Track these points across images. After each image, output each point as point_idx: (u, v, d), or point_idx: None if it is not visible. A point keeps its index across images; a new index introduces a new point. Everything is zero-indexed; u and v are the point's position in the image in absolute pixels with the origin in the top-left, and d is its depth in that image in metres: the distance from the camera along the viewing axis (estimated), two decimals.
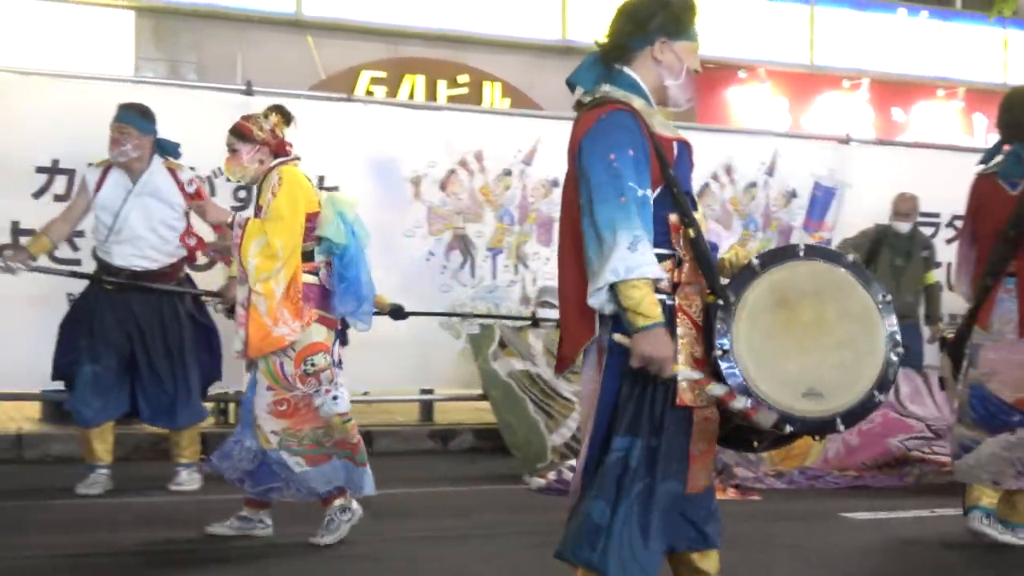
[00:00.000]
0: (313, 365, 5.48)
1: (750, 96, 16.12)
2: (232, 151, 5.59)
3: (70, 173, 8.14)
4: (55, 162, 8.19)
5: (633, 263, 3.40)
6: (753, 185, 10.37)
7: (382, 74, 14.59)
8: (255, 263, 5.31)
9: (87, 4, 13.24)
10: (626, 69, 3.70)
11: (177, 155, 7.09)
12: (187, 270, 7.29)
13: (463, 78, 14.94)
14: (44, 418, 9.04)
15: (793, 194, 10.49)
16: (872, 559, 5.73)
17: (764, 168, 10.40)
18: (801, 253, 3.62)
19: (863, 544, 6.02)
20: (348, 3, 14.27)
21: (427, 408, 10.06)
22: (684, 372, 3.50)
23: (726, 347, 3.49)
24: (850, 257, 3.67)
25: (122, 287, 6.90)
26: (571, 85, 3.76)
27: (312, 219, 5.50)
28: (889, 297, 3.63)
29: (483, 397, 9.03)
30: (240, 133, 5.59)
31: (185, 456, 7.06)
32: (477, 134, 9.51)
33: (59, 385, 8.28)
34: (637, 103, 3.62)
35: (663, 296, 3.54)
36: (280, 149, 5.63)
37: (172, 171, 6.98)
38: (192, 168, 7.32)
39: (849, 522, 6.56)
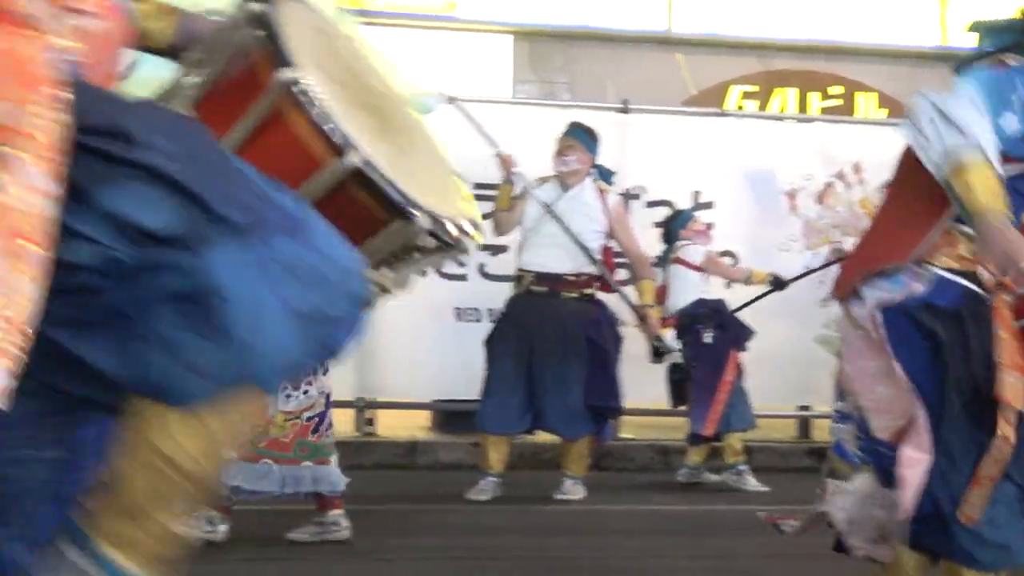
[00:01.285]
0: None
1: None
2: None
3: None
4: None
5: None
6: None
7: (753, 88, 14.49)
8: None
9: (470, 31, 13.80)
10: None
11: (610, 182, 7.44)
12: (596, 292, 7.34)
13: (835, 89, 14.63)
14: (434, 427, 9.41)
15: None
16: None
17: None
18: None
19: None
20: (718, 18, 14.26)
21: (804, 425, 9.89)
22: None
23: None
24: None
25: (531, 293, 7.15)
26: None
27: None
28: None
29: None
30: None
31: (572, 469, 7.14)
32: (854, 145, 9.30)
33: (448, 395, 8.68)
34: None
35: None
36: None
37: (601, 191, 7.28)
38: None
39: None
